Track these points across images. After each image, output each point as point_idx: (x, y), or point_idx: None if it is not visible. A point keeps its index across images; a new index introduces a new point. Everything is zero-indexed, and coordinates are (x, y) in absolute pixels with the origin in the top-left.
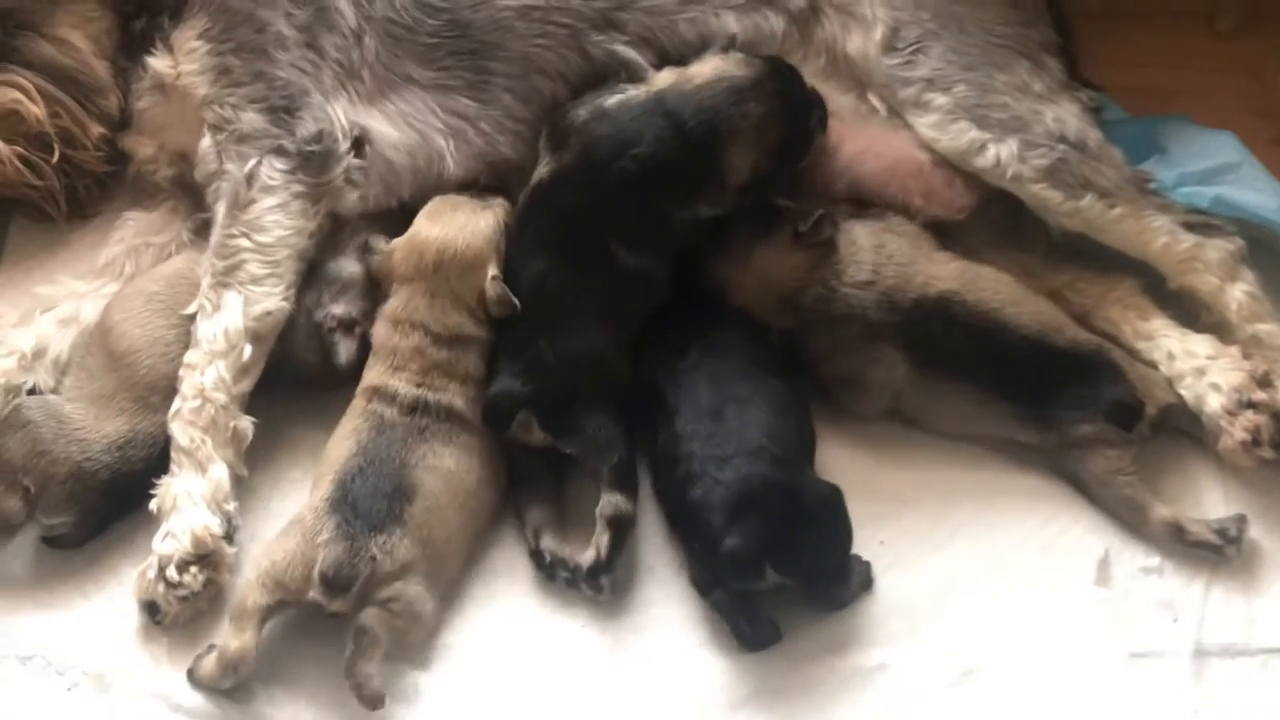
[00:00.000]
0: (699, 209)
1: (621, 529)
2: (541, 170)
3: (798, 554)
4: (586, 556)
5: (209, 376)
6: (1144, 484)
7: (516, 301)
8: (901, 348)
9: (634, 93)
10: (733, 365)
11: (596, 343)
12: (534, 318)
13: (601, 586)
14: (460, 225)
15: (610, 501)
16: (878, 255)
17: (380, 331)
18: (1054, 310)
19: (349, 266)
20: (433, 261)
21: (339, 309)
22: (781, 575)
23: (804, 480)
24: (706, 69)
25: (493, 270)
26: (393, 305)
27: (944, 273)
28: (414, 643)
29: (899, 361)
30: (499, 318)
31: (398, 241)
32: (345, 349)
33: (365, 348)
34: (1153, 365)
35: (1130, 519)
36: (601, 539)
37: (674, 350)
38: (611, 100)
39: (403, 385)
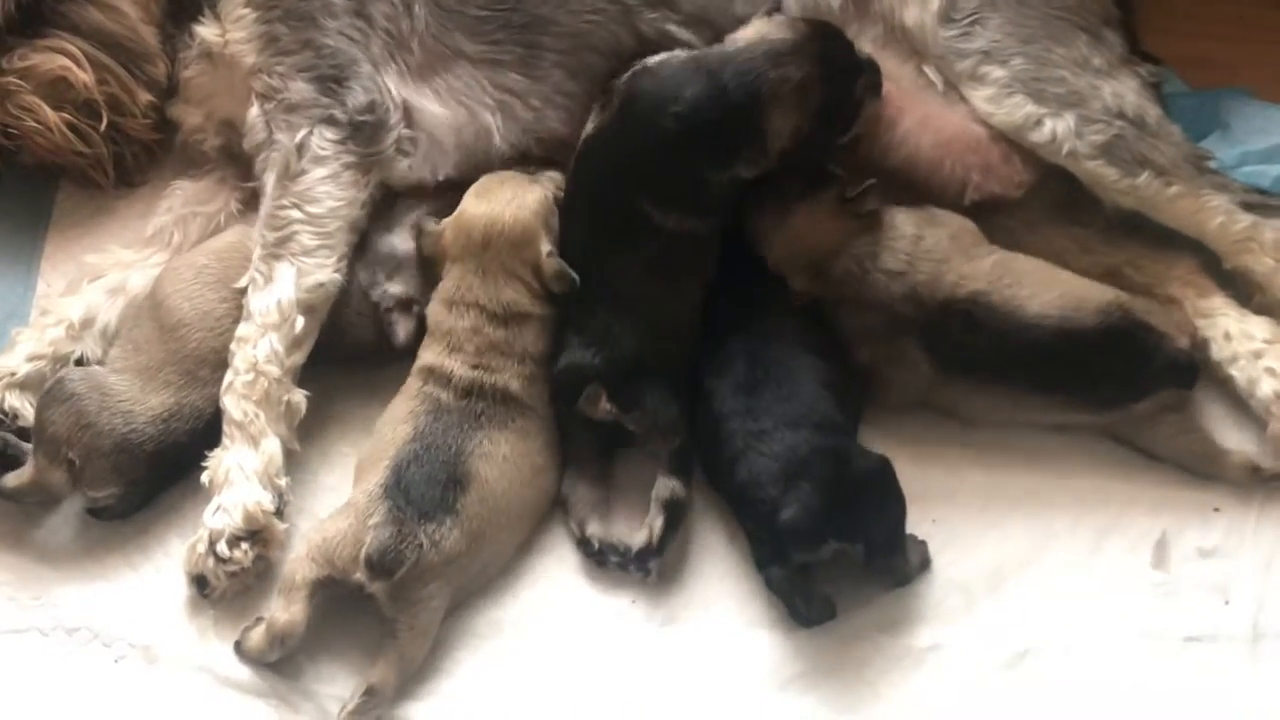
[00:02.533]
0: (737, 170)
1: (676, 513)
2: (588, 128)
3: (855, 520)
4: (638, 539)
5: (262, 349)
6: (1209, 434)
7: (575, 276)
8: (924, 349)
9: (678, 53)
10: (770, 347)
11: (654, 310)
12: (592, 288)
13: (649, 569)
14: (507, 200)
15: (667, 485)
16: (915, 246)
17: (435, 312)
18: (1072, 282)
19: (403, 244)
20: (481, 238)
21: (396, 288)
22: (842, 541)
23: (850, 447)
24: (749, 31)
25: (546, 246)
26: (446, 285)
27: (976, 270)
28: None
29: (922, 361)
30: (559, 292)
31: (447, 221)
32: (404, 328)
33: (422, 325)
34: (1206, 343)
35: (1205, 471)
36: (655, 522)
37: (711, 329)
38: (655, 60)
39: (459, 367)
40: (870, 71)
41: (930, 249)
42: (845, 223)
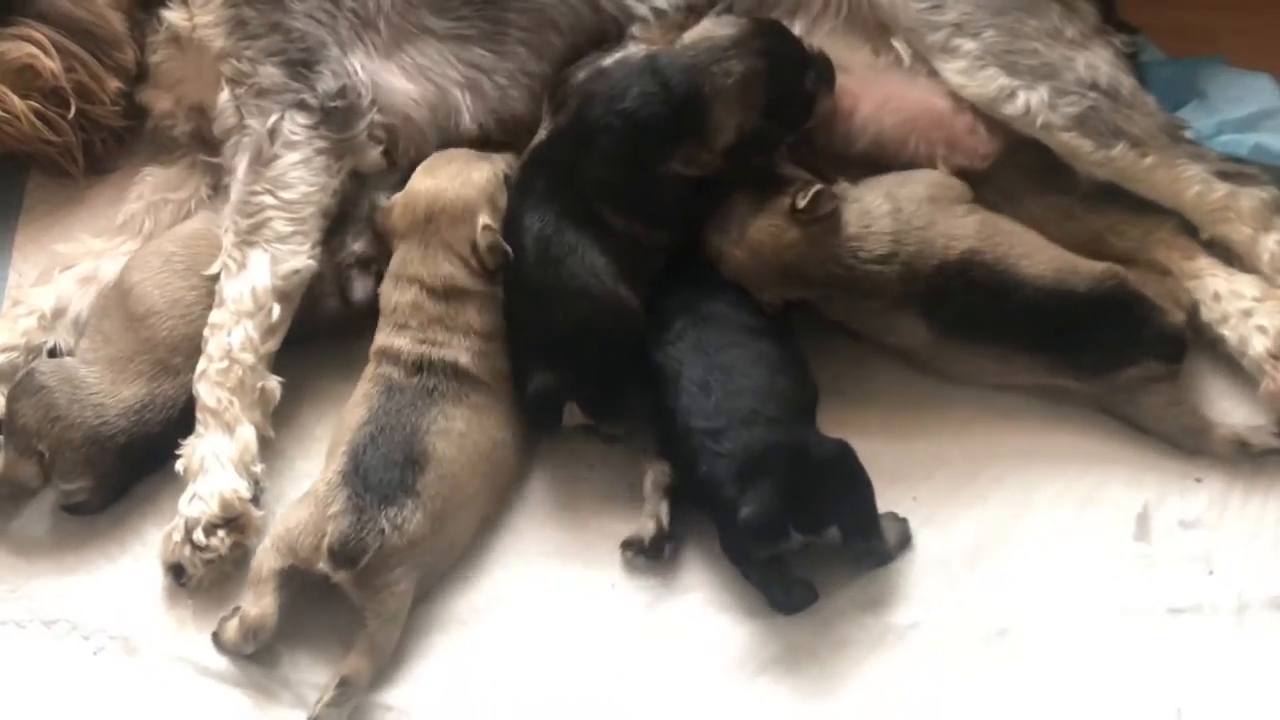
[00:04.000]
0: (680, 166)
1: (674, 497)
2: (540, 133)
3: (818, 510)
4: (647, 530)
5: (236, 337)
6: (1196, 407)
7: (509, 250)
8: (921, 314)
9: (633, 51)
10: (719, 333)
11: (613, 302)
12: (547, 284)
13: (665, 553)
14: (452, 176)
15: (662, 471)
16: (896, 221)
17: (385, 289)
18: (1065, 252)
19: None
20: (424, 213)
21: (358, 246)
22: (805, 534)
23: (807, 437)
24: (695, 30)
25: (484, 219)
26: (394, 261)
27: (964, 229)
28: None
29: (919, 328)
30: (493, 268)
31: (396, 197)
32: (360, 285)
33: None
34: (1195, 306)
35: (1190, 444)
36: (661, 509)
37: (660, 322)
38: (610, 60)
39: (406, 344)
40: (820, 65)
41: (910, 218)
42: (804, 230)
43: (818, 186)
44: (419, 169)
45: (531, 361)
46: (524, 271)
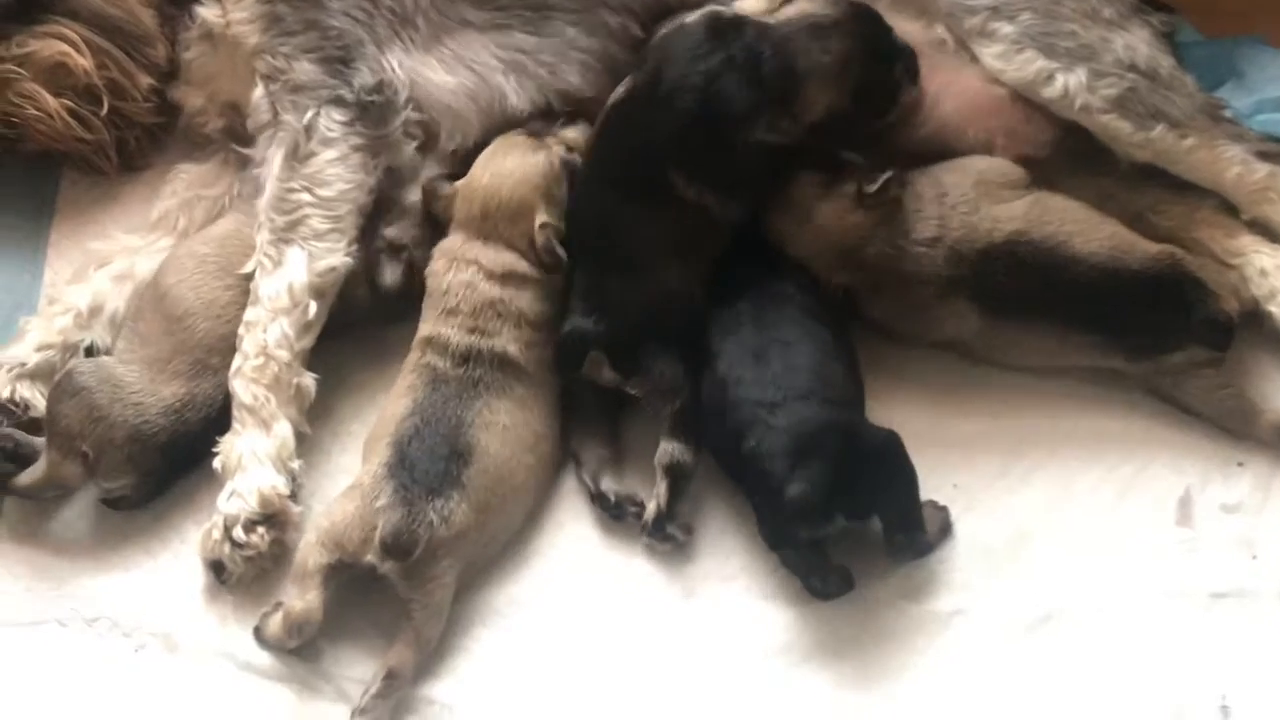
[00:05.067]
0: (758, 131)
1: (679, 478)
2: (619, 89)
3: (863, 498)
4: (649, 510)
5: (272, 334)
6: (1243, 391)
7: (563, 254)
8: (971, 299)
9: (722, 8)
10: (780, 312)
11: (664, 279)
12: (603, 252)
13: (670, 535)
14: (508, 173)
15: (667, 450)
16: (941, 206)
17: (435, 267)
18: (1122, 229)
19: (409, 195)
20: (480, 210)
21: (390, 231)
22: (851, 520)
23: (860, 422)
24: (792, 8)
25: (541, 217)
26: (449, 243)
27: (1010, 213)
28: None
29: (969, 313)
30: (549, 264)
31: (457, 184)
32: (391, 271)
33: (410, 277)
34: (1255, 301)
35: (1237, 428)
36: (660, 488)
37: (723, 295)
38: (693, 17)
39: (455, 333)
40: (908, 57)
41: (957, 202)
42: (868, 214)
43: (889, 173)
44: (479, 160)
45: (575, 304)
46: (584, 233)
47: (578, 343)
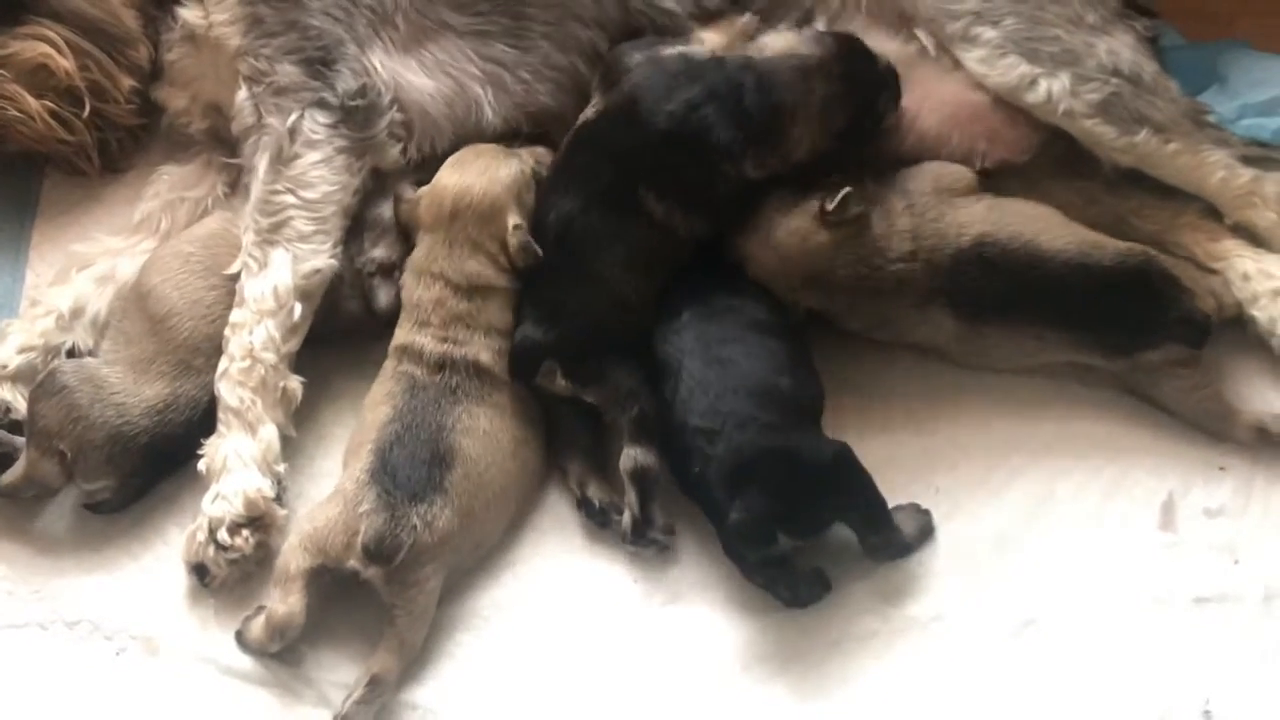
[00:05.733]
0: (747, 168)
1: (646, 483)
2: (589, 110)
3: (810, 516)
4: (625, 520)
5: (258, 336)
6: (1221, 392)
7: (539, 250)
8: (947, 306)
9: (697, 49)
10: (724, 327)
11: (620, 292)
12: (559, 262)
13: (653, 540)
14: (479, 172)
15: (630, 456)
16: (911, 216)
17: (406, 284)
18: (1087, 230)
19: (388, 211)
20: (450, 210)
21: (378, 252)
22: (795, 540)
23: (801, 442)
24: (778, 42)
25: (514, 219)
26: (416, 256)
27: (971, 216)
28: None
29: (945, 319)
30: (523, 267)
31: (423, 190)
32: (384, 293)
33: None
34: (1238, 305)
35: (1214, 429)
36: (630, 497)
37: (668, 310)
38: (670, 50)
39: (428, 341)
40: (891, 83)
41: (923, 210)
42: (832, 234)
43: (846, 190)
44: (446, 164)
45: (527, 312)
46: (544, 243)
47: (529, 351)
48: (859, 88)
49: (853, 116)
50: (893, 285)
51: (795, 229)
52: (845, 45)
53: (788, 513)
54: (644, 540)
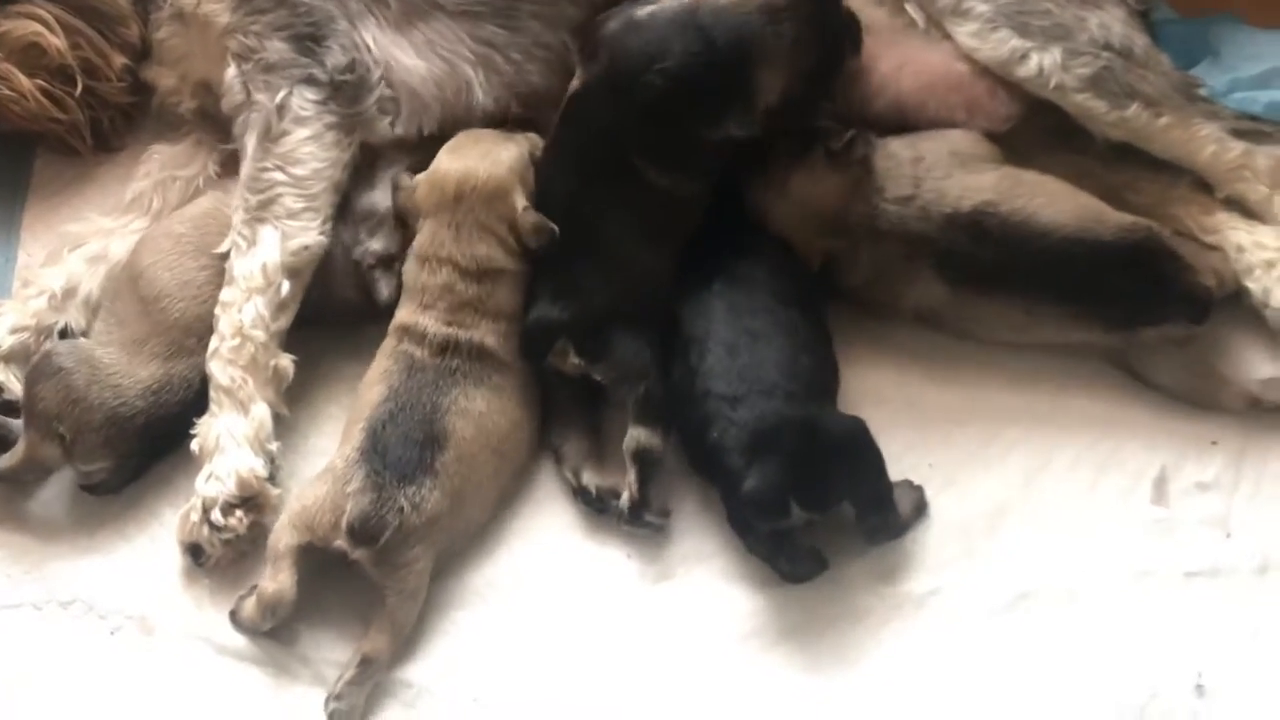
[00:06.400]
0: (728, 128)
1: (648, 463)
2: (574, 83)
3: (824, 489)
4: (623, 500)
5: (247, 314)
6: (1213, 364)
7: (555, 228)
8: (935, 270)
9: (668, 3)
10: (752, 298)
11: (633, 263)
12: (568, 239)
13: (648, 522)
14: (481, 155)
15: (634, 436)
16: (917, 168)
17: (409, 269)
18: (1094, 201)
19: (384, 201)
20: (454, 193)
21: (377, 245)
22: (809, 511)
23: (822, 415)
24: None
25: (522, 200)
26: (420, 241)
27: (980, 183)
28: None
29: (933, 281)
30: (536, 247)
31: (421, 176)
32: (386, 285)
33: None
34: (1238, 280)
35: (1205, 400)
36: (631, 476)
37: (696, 280)
38: (643, 11)
39: (432, 324)
40: (852, 28)
41: (931, 166)
42: (841, 176)
43: (853, 131)
44: (444, 150)
45: (540, 292)
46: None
47: (544, 330)
48: (826, 28)
49: (820, 57)
50: (885, 227)
51: (806, 176)
52: None
53: (804, 483)
54: (640, 521)
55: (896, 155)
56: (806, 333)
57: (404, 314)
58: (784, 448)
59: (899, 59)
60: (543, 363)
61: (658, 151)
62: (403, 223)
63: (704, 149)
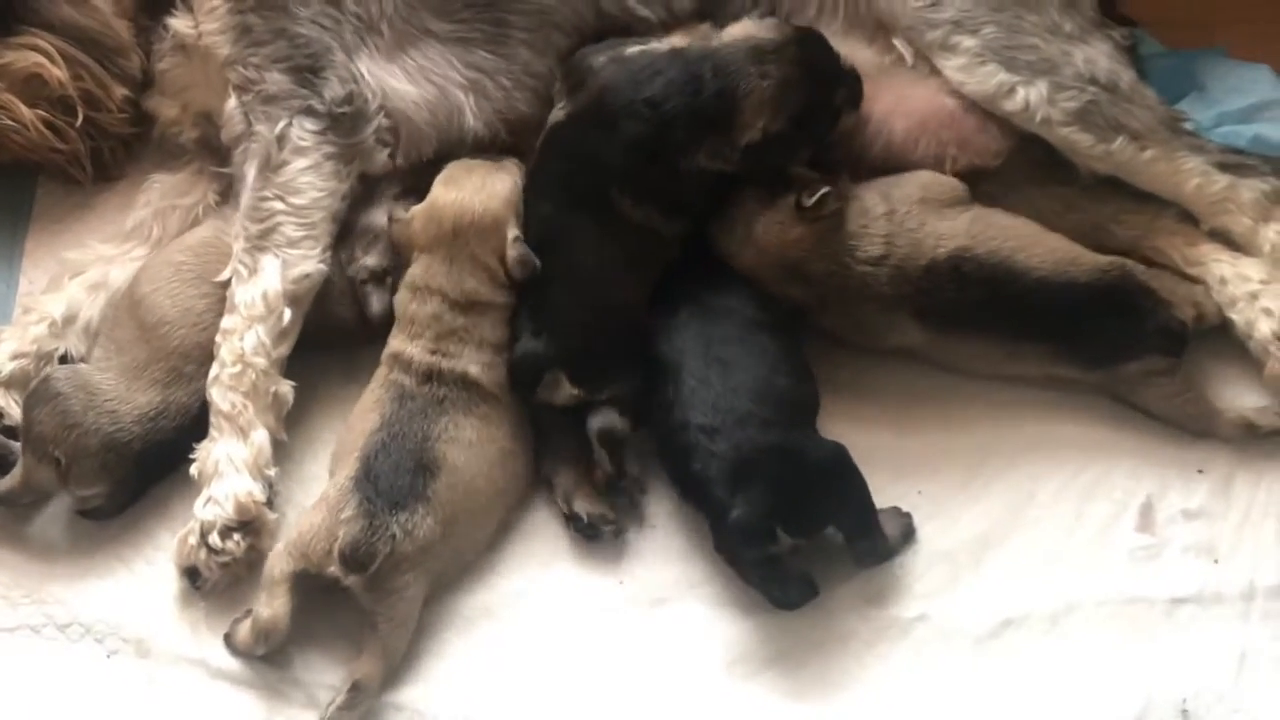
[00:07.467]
0: (700, 159)
1: (613, 442)
2: (557, 113)
3: (810, 515)
4: (597, 476)
5: (249, 341)
6: (1203, 394)
7: (538, 262)
8: (914, 315)
9: (656, 45)
10: (722, 327)
11: (612, 294)
12: (548, 270)
13: (630, 496)
14: (476, 189)
15: (596, 419)
16: (890, 223)
17: (401, 299)
18: (1067, 243)
19: (379, 218)
20: (451, 228)
21: (371, 260)
22: (795, 538)
23: (802, 440)
24: (737, 29)
25: (513, 231)
26: (413, 272)
27: (953, 229)
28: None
29: (912, 328)
30: (519, 279)
31: (416, 209)
32: (378, 299)
33: None
34: (1219, 312)
35: (1198, 429)
36: (600, 456)
37: (665, 310)
38: (632, 49)
39: (418, 353)
40: (851, 82)
41: (903, 219)
42: (809, 228)
43: (825, 188)
44: (439, 180)
45: (524, 324)
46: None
47: (531, 364)
48: (815, 74)
49: (807, 104)
50: (858, 286)
51: (773, 224)
52: (804, 32)
53: (789, 510)
54: (617, 490)
55: (870, 211)
56: (780, 357)
57: (395, 343)
58: (766, 474)
59: (890, 100)
60: (530, 396)
61: (636, 185)
62: (399, 253)
63: (682, 185)
